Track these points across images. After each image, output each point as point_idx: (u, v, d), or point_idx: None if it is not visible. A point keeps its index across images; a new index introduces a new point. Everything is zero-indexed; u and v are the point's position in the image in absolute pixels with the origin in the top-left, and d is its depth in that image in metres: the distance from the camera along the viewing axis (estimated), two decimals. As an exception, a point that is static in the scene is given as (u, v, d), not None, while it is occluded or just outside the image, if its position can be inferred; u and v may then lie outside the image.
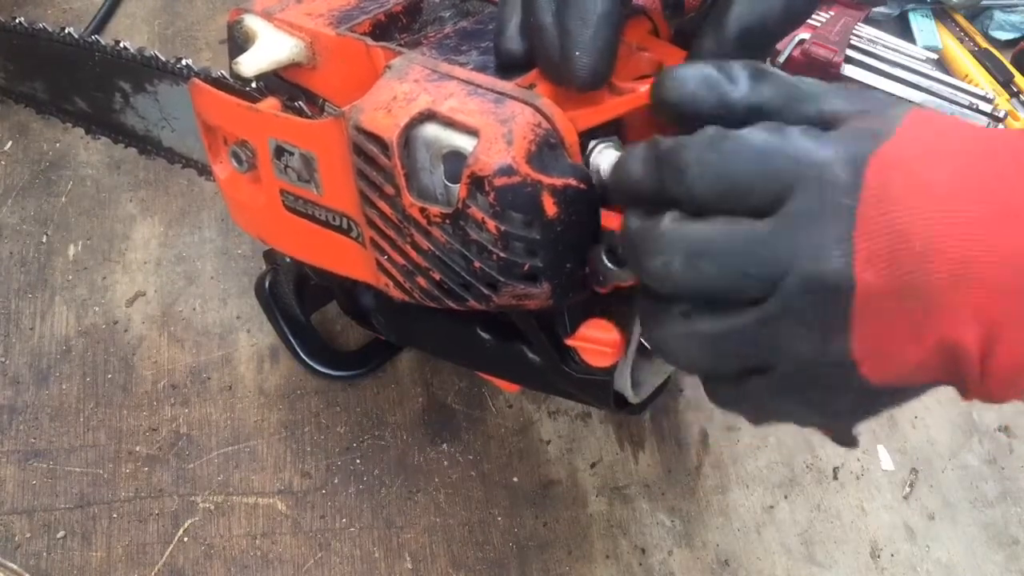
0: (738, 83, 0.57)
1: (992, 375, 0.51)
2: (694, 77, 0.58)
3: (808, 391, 0.56)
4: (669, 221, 0.56)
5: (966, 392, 0.54)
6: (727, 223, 0.54)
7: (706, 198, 0.55)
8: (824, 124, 0.55)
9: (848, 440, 0.60)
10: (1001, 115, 1.33)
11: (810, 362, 0.54)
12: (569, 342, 0.73)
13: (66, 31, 1.07)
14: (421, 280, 0.72)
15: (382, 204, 0.70)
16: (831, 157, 0.52)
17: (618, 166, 0.62)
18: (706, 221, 0.55)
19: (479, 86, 0.68)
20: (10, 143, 1.29)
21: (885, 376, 0.53)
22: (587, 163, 0.67)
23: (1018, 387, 0.52)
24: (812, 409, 0.57)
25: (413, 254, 0.70)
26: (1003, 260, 0.49)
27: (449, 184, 0.67)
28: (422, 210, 0.67)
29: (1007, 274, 0.49)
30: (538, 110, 0.65)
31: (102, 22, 1.42)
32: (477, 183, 0.63)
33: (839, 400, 0.56)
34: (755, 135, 0.54)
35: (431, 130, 0.67)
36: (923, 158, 0.52)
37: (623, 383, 0.78)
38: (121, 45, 1.02)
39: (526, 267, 0.65)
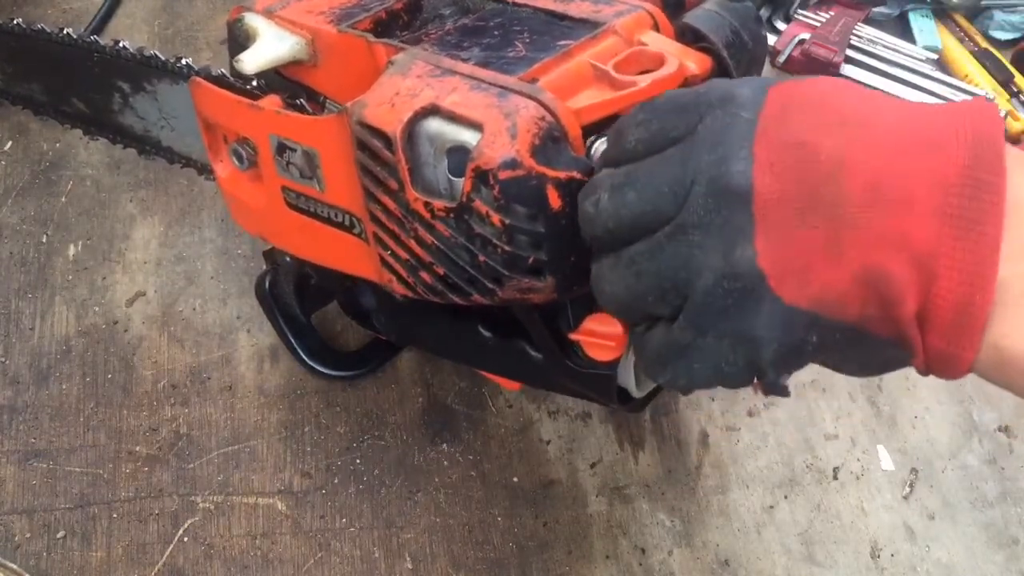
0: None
1: (933, 318, 0.50)
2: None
3: (724, 318, 0.55)
4: (604, 171, 0.60)
5: (915, 354, 0.52)
6: (651, 158, 0.57)
7: (636, 151, 0.59)
8: None
9: (778, 387, 0.58)
10: (1001, 115, 1.33)
11: (720, 275, 0.54)
12: (572, 336, 0.73)
13: (65, 31, 1.07)
14: (425, 275, 0.72)
15: (386, 199, 0.70)
16: (739, 87, 0.56)
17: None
18: (634, 164, 0.58)
19: (482, 80, 0.68)
20: (10, 143, 1.29)
21: (799, 296, 0.53)
22: (589, 157, 0.67)
23: (967, 333, 0.50)
24: (734, 342, 0.56)
25: (417, 249, 0.70)
26: (924, 183, 0.49)
27: (453, 178, 0.67)
28: (426, 204, 0.67)
29: (932, 199, 0.49)
30: (542, 104, 0.65)
31: (102, 22, 1.42)
32: (481, 176, 0.63)
33: (756, 322, 0.54)
34: (679, 90, 0.60)
35: (434, 124, 0.67)
36: (833, 89, 0.54)
37: (626, 377, 0.78)
38: (120, 45, 1.02)
39: (531, 260, 0.65)
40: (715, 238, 0.53)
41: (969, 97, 1.35)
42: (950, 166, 0.49)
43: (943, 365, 0.53)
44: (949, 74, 1.44)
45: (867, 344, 0.54)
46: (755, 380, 0.59)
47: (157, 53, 0.99)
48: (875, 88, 1.38)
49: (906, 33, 1.49)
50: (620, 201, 0.58)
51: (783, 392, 0.58)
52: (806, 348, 0.55)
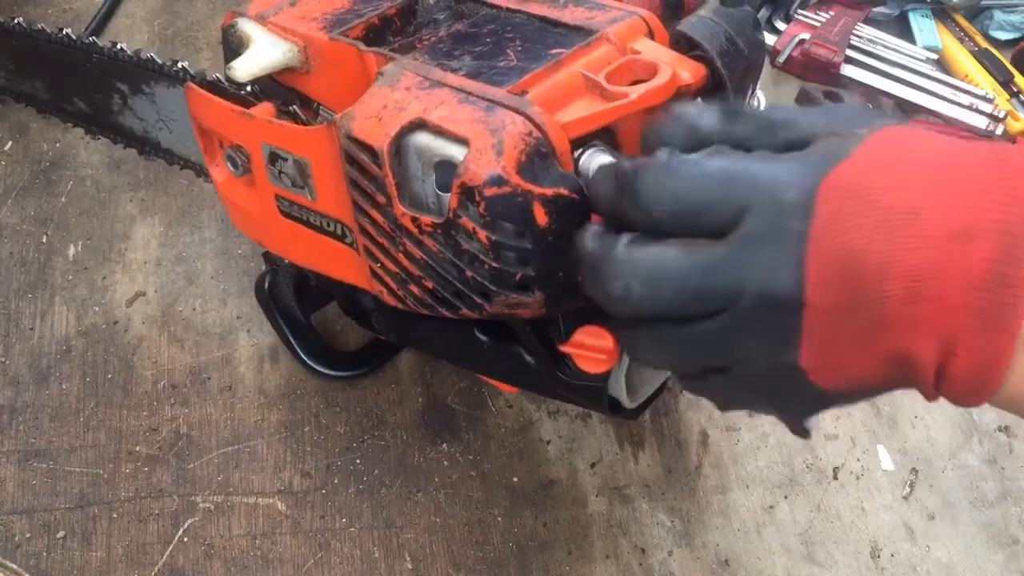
0: (705, 117, 0.59)
1: (952, 381, 0.52)
2: (668, 115, 0.61)
3: (764, 391, 0.59)
4: (623, 245, 0.58)
5: (927, 396, 0.55)
6: (682, 246, 0.56)
7: (661, 220, 0.57)
8: (793, 148, 0.57)
9: (801, 432, 0.63)
10: (1001, 115, 1.33)
11: (763, 369, 0.56)
12: (563, 348, 0.73)
13: (64, 32, 1.07)
14: (414, 288, 0.72)
15: (374, 213, 0.70)
16: (784, 180, 0.54)
17: (589, 184, 0.64)
18: (661, 244, 0.57)
19: (470, 94, 0.68)
20: (10, 143, 1.30)
21: (835, 383, 0.55)
22: (576, 168, 0.66)
23: (982, 390, 0.52)
24: (770, 404, 0.61)
25: (405, 262, 0.70)
26: (956, 279, 0.50)
27: (440, 193, 0.67)
28: (414, 219, 0.67)
29: (961, 295, 0.50)
30: (529, 119, 0.64)
31: (102, 22, 1.42)
32: (467, 193, 0.63)
33: (793, 399, 0.58)
34: (708, 159, 0.56)
35: (422, 139, 0.67)
36: (878, 177, 0.53)
37: (617, 388, 0.78)
38: (118, 47, 1.02)
39: (518, 276, 0.65)
40: (760, 341, 0.55)
41: (969, 97, 1.35)
42: (981, 262, 0.50)
43: (955, 403, 0.55)
44: (949, 74, 1.43)
45: (884, 391, 0.58)
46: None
47: (154, 56, 0.99)
48: (873, 87, 1.38)
49: (906, 33, 1.48)
50: (655, 294, 0.57)
51: (807, 434, 0.64)
52: (833, 406, 0.60)
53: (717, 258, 0.55)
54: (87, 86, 1.10)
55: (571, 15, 0.79)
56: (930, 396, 0.55)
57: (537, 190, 0.62)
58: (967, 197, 0.52)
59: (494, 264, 0.65)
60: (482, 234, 0.63)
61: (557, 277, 0.65)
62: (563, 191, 0.63)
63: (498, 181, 0.62)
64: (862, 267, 0.51)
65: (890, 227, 0.51)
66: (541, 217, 0.63)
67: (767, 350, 0.55)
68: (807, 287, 0.52)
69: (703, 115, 0.59)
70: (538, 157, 0.63)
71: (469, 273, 0.66)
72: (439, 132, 0.66)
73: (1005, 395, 0.53)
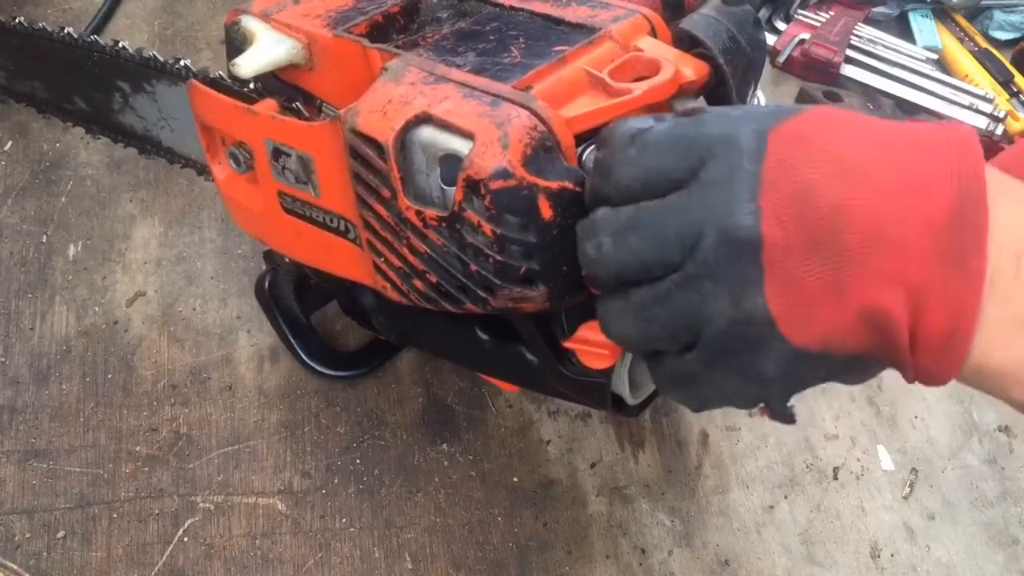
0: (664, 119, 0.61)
1: (923, 344, 0.53)
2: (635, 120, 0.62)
3: (735, 355, 0.57)
4: (601, 211, 0.60)
5: (905, 370, 0.55)
6: (650, 202, 0.57)
7: (632, 189, 0.59)
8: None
9: (784, 415, 0.61)
10: (1001, 115, 1.33)
11: (731, 320, 0.56)
12: (566, 344, 0.73)
13: (65, 31, 1.07)
14: (418, 283, 0.72)
15: (378, 207, 0.70)
16: (737, 128, 0.56)
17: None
18: (633, 205, 0.58)
19: (475, 88, 0.68)
20: (10, 143, 1.30)
21: (807, 338, 0.55)
22: (580, 163, 0.67)
23: (952, 357, 0.53)
24: (744, 377, 0.59)
25: (410, 257, 0.70)
26: (917, 226, 0.51)
27: (445, 187, 0.67)
28: (418, 213, 0.67)
29: (924, 240, 0.51)
30: (534, 113, 0.65)
31: (102, 22, 1.42)
32: (473, 186, 0.63)
33: (766, 363, 0.57)
34: (669, 125, 0.58)
35: (427, 133, 0.67)
36: (828, 132, 0.55)
37: (620, 385, 0.78)
38: (120, 45, 1.02)
39: (522, 270, 0.65)
40: (725, 287, 0.55)
41: (969, 97, 1.35)
42: (939, 208, 0.51)
43: (928, 378, 0.56)
44: (949, 74, 1.43)
45: (864, 365, 0.58)
46: (760, 407, 0.62)
47: (156, 54, 0.99)
48: (873, 87, 1.39)
49: (906, 33, 1.49)
50: (624, 247, 0.58)
51: (789, 419, 0.62)
52: (811, 379, 0.59)
53: (678, 203, 0.56)
54: (88, 85, 1.09)
55: (574, 13, 0.79)
56: (908, 371, 0.55)
57: (542, 183, 0.63)
58: (919, 152, 0.53)
59: (499, 258, 0.65)
60: (487, 227, 0.64)
61: (561, 271, 0.65)
62: (568, 185, 0.63)
63: (504, 174, 0.62)
64: (817, 206, 0.52)
65: (844, 175, 0.53)
66: (546, 210, 0.63)
67: (731, 294, 0.55)
68: (763, 223, 0.53)
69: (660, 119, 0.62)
70: (543, 151, 0.64)
71: (473, 267, 0.66)
72: (444, 126, 0.66)
73: (974, 362, 0.54)
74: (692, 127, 0.57)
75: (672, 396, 0.65)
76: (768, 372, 0.57)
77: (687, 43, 0.75)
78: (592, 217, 0.60)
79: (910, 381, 0.56)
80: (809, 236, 0.53)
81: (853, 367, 0.58)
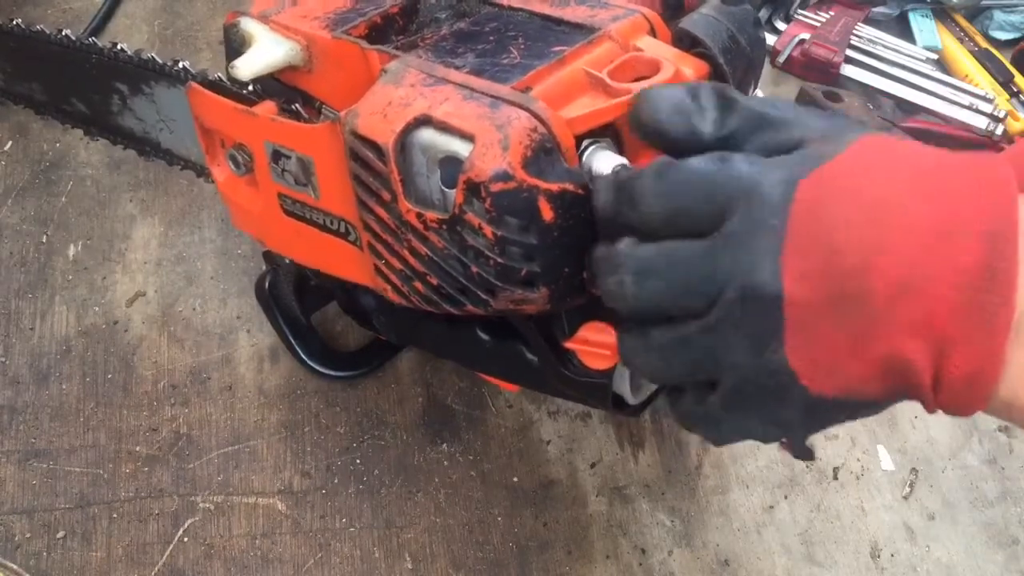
0: (706, 113, 0.60)
1: (947, 388, 0.52)
2: (667, 104, 0.61)
3: (756, 403, 0.58)
4: (624, 245, 0.60)
5: (927, 405, 0.55)
6: (673, 244, 0.57)
7: (655, 223, 0.58)
8: (787, 151, 0.58)
9: (804, 453, 0.64)
10: (1001, 115, 1.33)
11: (751, 371, 0.56)
12: (568, 345, 0.73)
13: (63, 32, 1.07)
14: (418, 285, 0.71)
15: (379, 209, 0.70)
16: (766, 179, 0.55)
17: (592, 193, 0.64)
18: (655, 243, 0.58)
19: (475, 90, 0.68)
20: (10, 143, 1.30)
21: (827, 388, 0.55)
22: (580, 164, 0.67)
23: (976, 397, 0.53)
24: (764, 421, 0.60)
25: (410, 259, 0.70)
26: (944, 277, 0.51)
27: (446, 189, 0.67)
28: (419, 215, 0.67)
29: (952, 294, 0.51)
30: (534, 114, 0.64)
31: (102, 22, 1.42)
32: (473, 189, 0.63)
33: (786, 411, 0.57)
34: (697, 163, 0.57)
35: (427, 135, 0.67)
36: (863, 175, 0.54)
37: (622, 385, 0.78)
38: (118, 47, 1.02)
39: (523, 272, 0.65)
40: (745, 339, 0.55)
41: (969, 97, 1.35)
42: (969, 259, 0.51)
43: (952, 412, 0.55)
44: (949, 74, 1.43)
45: (883, 406, 0.58)
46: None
47: (155, 56, 0.99)
48: (873, 87, 1.39)
49: (906, 33, 1.49)
50: (646, 288, 0.58)
51: (810, 456, 0.63)
52: (832, 421, 0.59)
53: (700, 254, 0.56)
54: (86, 87, 1.10)
55: (573, 13, 0.79)
56: (930, 406, 0.55)
57: (543, 185, 0.62)
58: (953, 198, 0.52)
59: (499, 260, 0.64)
60: (488, 229, 0.63)
61: (562, 273, 0.65)
62: (568, 186, 0.63)
63: (504, 176, 0.62)
64: (842, 260, 0.52)
65: (873, 220, 0.52)
66: (547, 212, 0.63)
67: (752, 348, 0.55)
68: (784, 280, 0.53)
69: (703, 108, 0.60)
70: (543, 153, 0.64)
71: (474, 269, 0.66)
72: (444, 128, 0.66)
73: (1002, 399, 0.53)
74: (719, 168, 0.57)
75: (694, 432, 0.66)
76: (788, 418, 0.58)
77: (687, 43, 0.75)
78: (615, 249, 0.60)
79: (931, 412, 0.56)
80: (833, 291, 0.53)
81: (873, 407, 0.58)
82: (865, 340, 0.53)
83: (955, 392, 0.52)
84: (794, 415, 0.58)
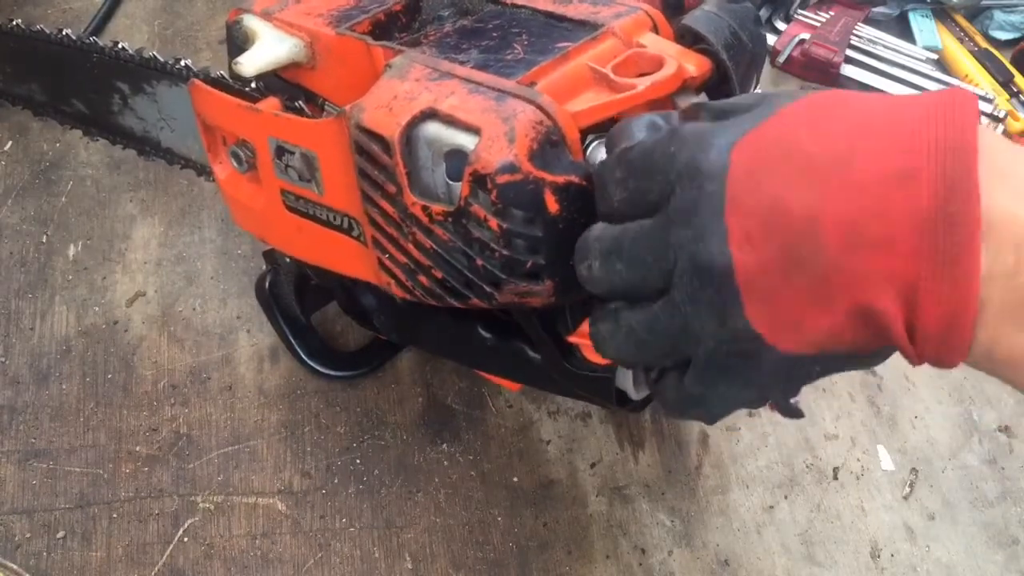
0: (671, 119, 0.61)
1: (923, 336, 0.51)
2: (639, 123, 0.62)
3: (731, 372, 0.57)
4: (593, 230, 0.60)
5: (910, 357, 0.54)
6: (632, 225, 0.58)
7: (620, 209, 0.59)
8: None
9: (792, 412, 0.62)
10: (1001, 115, 1.34)
11: (719, 341, 0.55)
12: (571, 339, 0.73)
13: (64, 32, 1.07)
14: (423, 278, 0.72)
15: (384, 203, 0.71)
16: (704, 149, 0.55)
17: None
18: (619, 225, 0.59)
19: (480, 84, 0.68)
20: (10, 143, 1.30)
21: (797, 346, 0.54)
22: (585, 158, 0.67)
23: (954, 347, 0.51)
24: (744, 388, 0.59)
25: (415, 252, 0.70)
26: (901, 222, 0.50)
27: (451, 182, 0.67)
28: (424, 208, 0.67)
29: (910, 237, 0.50)
30: (540, 108, 0.65)
31: (102, 22, 1.42)
32: (479, 181, 0.63)
33: (761, 374, 0.56)
34: (645, 144, 0.58)
35: (432, 128, 0.67)
36: (801, 130, 0.53)
37: (624, 380, 0.78)
38: (119, 46, 1.02)
39: (528, 264, 0.65)
40: (706, 311, 0.55)
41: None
42: (924, 200, 0.49)
43: (935, 363, 0.54)
44: (949, 74, 1.44)
45: (864, 358, 0.57)
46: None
47: (156, 54, 0.99)
48: (873, 87, 1.39)
49: (906, 33, 1.49)
50: (610, 270, 0.59)
51: (798, 414, 0.63)
52: (811, 376, 0.58)
53: (654, 231, 0.56)
54: (87, 87, 1.10)
55: (576, 10, 0.79)
56: (913, 359, 0.53)
57: (548, 177, 0.63)
58: (898, 139, 0.51)
59: (505, 252, 0.65)
60: (493, 222, 0.64)
61: (567, 265, 0.65)
62: (574, 179, 0.63)
63: (510, 168, 0.62)
64: (787, 219, 0.51)
65: (814, 176, 0.51)
66: (552, 204, 0.63)
67: (714, 318, 0.55)
68: (731, 247, 0.52)
69: (669, 119, 0.62)
70: (549, 145, 0.64)
71: (479, 261, 0.66)
72: (450, 121, 0.66)
73: (981, 345, 0.52)
74: (664, 146, 0.57)
75: (684, 418, 0.66)
76: (765, 379, 0.57)
77: (689, 39, 0.76)
78: (586, 236, 0.61)
79: (917, 364, 0.55)
80: (783, 250, 0.52)
81: (856, 358, 0.57)
82: (826, 295, 0.52)
83: (932, 340, 0.51)
84: (771, 377, 0.57)
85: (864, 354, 0.56)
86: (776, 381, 0.58)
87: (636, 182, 0.58)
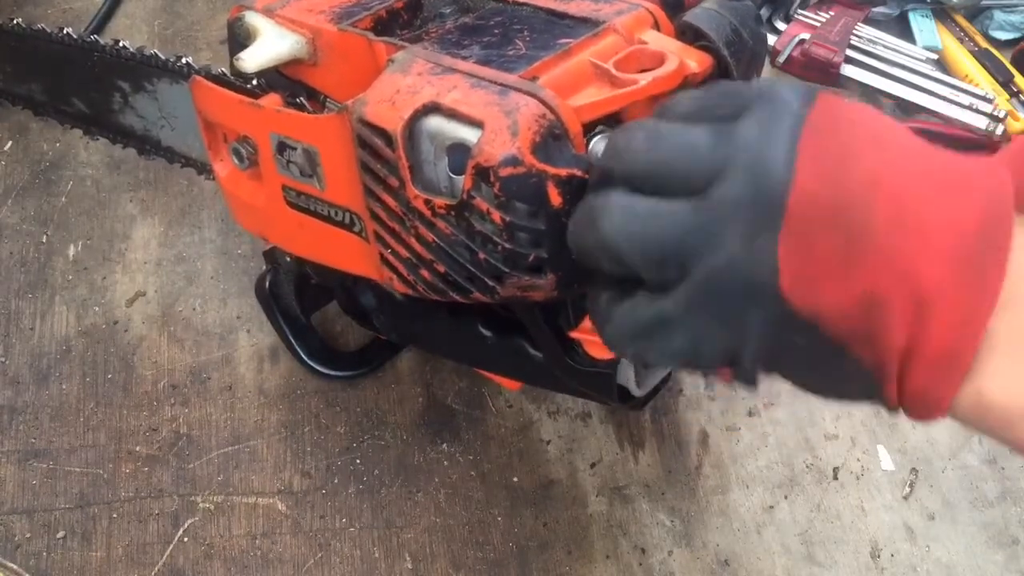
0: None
1: (919, 356, 0.50)
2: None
3: (723, 301, 0.53)
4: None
5: (887, 386, 0.52)
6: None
7: (676, 118, 0.57)
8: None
9: (749, 378, 0.57)
10: (1001, 115, 1.34)
11: (733, 262, 0.52)
12: (573, 334, 0.74)
13: (65, 31, 1.07)
14: (425, 273, 0.72)
15: (386, 197, 0.71)
16: (788, 89, 0.53)
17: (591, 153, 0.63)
18: (670, 122, 0.57)
19: (482, 78, 0.68)
20: (10, 143, 1.30)
21: (803, 301, 0.51)
22: (589, 154, 0.67)
23: (949, 376, 0.51)
24: (723, 327, 0.54)
25: (417, 246, 0.70)
26: (945, 225, 0.50)
27: (453, 176, 0.67)
28: (427, 202, 0.67)
29: (947, 240, 0.50)
30: (542, 101, 0.65)
31: (102, 22, 1.43)
32: (482, 174, 0.63)
33: (751, 316, 0.53)
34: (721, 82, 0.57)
35: (435, 122, 0.67)
36: (872, 115, 0.54)
37: (626, 376, 0.78)
38: (120, 44, 1.02)
39: (531, 258, 0.65)
40: (741, 221, 0.51)
41: (969, 97, 1.35)
42: (970, 211, 0.50)
43: (920, 403, 0.53)
44: (949, 74, 1.44)
45: (842, 364, 0.54)
46: (723, 367, 0.57)
47: (157, 52, 0.99)
48: (873, 87, 1.39)
49: (906, 33, 1.49)
50: (654, 144, 0.56)
51: (753, 383, 0.57)
52: (788, 350, 0.55)
53: (716, 131, 0.54)
54: (88, 85, 1.10)
55: (577, 7, 0.79)
56: (890, 386, 0.52)
57: (551, 170, 0.63)
58: (952, 160, 0.52)
59: (507, 245, 0.65)
60: (496, 215, 0.64)
61: (569, 258, 0.65)
62: (577, 172, 0.63)
63: (513, 161, 0.62)
64: (853, 172, 0.50)
65: (888, 150, 0.51)
66: (555, 197, 0.63)
67: (743, 235, 0.51)
68: (797, 168, 0.50)
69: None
70: (552, 138, 0.64)
71: (482, 255, 0.66)
72: (452, 115, 0.66)
73: (976, 387, 0.51)
74: (744, 83, 0.57)
75: (629, 348, 0.60)
76: (751, 324, 0.53)
77: (690, 36, 0.76)
78: (631, 123, 0.59)
79: (892, 406, 0.54)
80: (840, 198, 0.50)
81: (830, 359, 0.54)
82: (854, 264, 0.50)
83: (927, 363, 0.50)
84: (757, 323, 0.53)
85: (839, 360, 0.53)
86: (757, 333, 0.54)
87: (706, 100, 0.56)
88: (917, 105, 1.37)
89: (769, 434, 1.08)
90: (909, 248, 0.50)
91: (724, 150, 0.53)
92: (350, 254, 0.81)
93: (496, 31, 0.78)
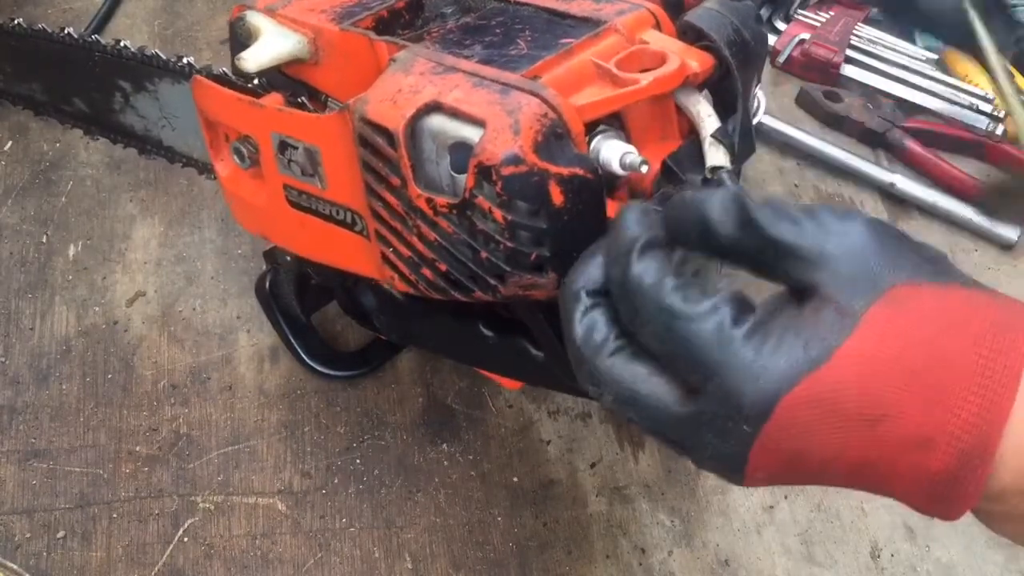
0: (727, 219, 0.56)
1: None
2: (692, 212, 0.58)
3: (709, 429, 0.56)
4: (616, 356, 0.58)
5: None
6: (658, 382, 0.56)
7: (649, 344, 0.56)
8: (796, 291, 0.55)
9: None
10: (1001, 115, 1.34)
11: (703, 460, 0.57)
12: (574, 333, 0.73)
13: (66, 31, 1.07)
14: (427, 271, 0.72)
15: (388, 195, 0.71)
16: (757, 375, 0.52)
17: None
18: (644, 364, 0.57)
19: (484, 78, 0.68)
20: (10, 143, 1.30)
21: (764, 484, 0.56)
22: (590, 153, 0.67)
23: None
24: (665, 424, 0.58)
25: (419, 245, 0.71)
26: (904, 481, 0.54)
27: (455, 175, 0.67)
28: (428, 200, 0.68)
29: (912, 499, 0.55)
30: (544, 100, 0.65)
31: (102, 22, 1.43)
32: (484, 173, 0.63)
33: (710, 459, 0.56)
34: (706, 325, 0.54)
35: (437, 121, 0.67)
36: (852, 387, 0.52)
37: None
38: (121, 44, 1.02)
39: (533, 257, 0.65)
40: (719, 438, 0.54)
41: (969, 97, 1.35)
42: (935, 464, 0.51)
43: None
44: (949, 74, 1.44)
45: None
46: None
47: (158, 52, 0.99)
48: (873, 87, 1.39)
49: (906, 33, 1.49)
50: (621, 411, 0.58)
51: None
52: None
53: (679, 415, 0.55)
54: (88, 85, 1.10)
55: (579, 7, 0.80)
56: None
57: (553, 169, 0.63)
58: (936, 407, 0.51)
59: (509, 244, 0.65)
60: (498, 213, 0.64)
61: (571, 258, 0.65)
62: (579, 171, 0.64)
63: (515, 160, 0.62)
64: (805, 464, 0.53)
65: (848, 430, 0.51)
66: (557, 196, 0.63)
67: (718, 435, 0.54)
68: (747, 468, 0.54)
69: (721, 223, 0.56)
70: (554, 137, 0.64)
71: (484, 254, 0.66)
72: (454, 114, 0.66)
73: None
74: (721, 339, 0.53)
75: (579, 388, 0.63)
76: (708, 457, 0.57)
77: (692, 36, 0.76)
78: (605, 359, 0.58)
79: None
80: (793, 477, 0.54)
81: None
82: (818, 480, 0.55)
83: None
84: (713, 464, 0.56)
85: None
86: (710, 465, 0.57)
87: (674, 348, 0.55)
88: (917, 105, 1.37)
89: (769, 434, 1.08)
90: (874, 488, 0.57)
91: (683, 436, 0.56)
92: (352, 253, 0.81)
93: (498, 31, 0.78)
